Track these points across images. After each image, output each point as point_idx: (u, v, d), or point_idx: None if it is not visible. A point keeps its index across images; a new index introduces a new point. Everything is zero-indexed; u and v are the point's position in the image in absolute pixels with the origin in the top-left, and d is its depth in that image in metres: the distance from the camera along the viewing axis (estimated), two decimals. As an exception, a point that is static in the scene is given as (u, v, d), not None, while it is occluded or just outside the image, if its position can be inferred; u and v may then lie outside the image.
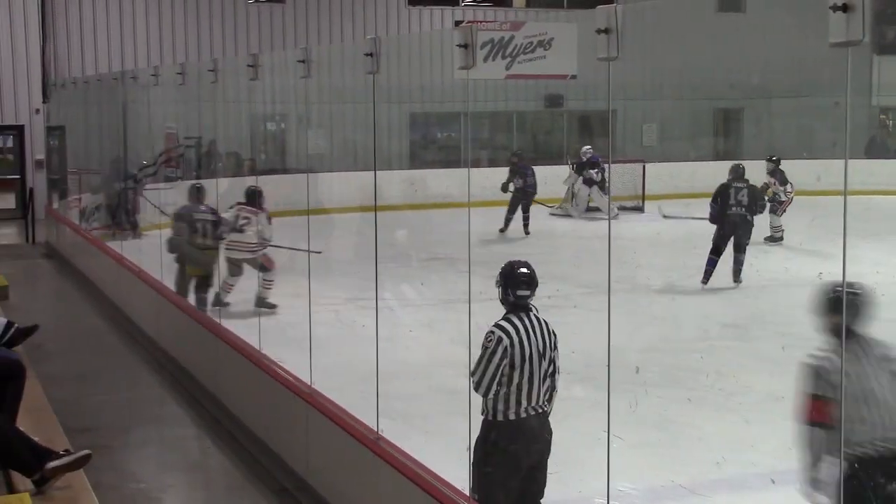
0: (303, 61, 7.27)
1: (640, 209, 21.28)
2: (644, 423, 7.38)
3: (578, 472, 6.53)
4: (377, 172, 7.80)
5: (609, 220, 5.34)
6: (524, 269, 5.32)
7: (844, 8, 3.16)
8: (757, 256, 14.45)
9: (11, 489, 5.61)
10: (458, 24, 25.47)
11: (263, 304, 10.85)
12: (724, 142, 27.53)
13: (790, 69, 22.39)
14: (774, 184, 16.35)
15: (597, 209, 19.89)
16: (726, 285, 13.14)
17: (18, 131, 22.73)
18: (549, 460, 5.33)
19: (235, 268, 11.33)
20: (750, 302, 12.16)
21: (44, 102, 22.15)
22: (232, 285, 11.25)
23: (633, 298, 11.78)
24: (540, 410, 5.24)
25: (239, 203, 11.38)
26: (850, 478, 4.43)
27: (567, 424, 7.47)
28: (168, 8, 23.82)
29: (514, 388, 5.17)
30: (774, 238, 16.35)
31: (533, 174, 18.16)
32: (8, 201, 23.09)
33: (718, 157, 25.18)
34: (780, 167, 16.62)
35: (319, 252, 9.04)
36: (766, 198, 15.41)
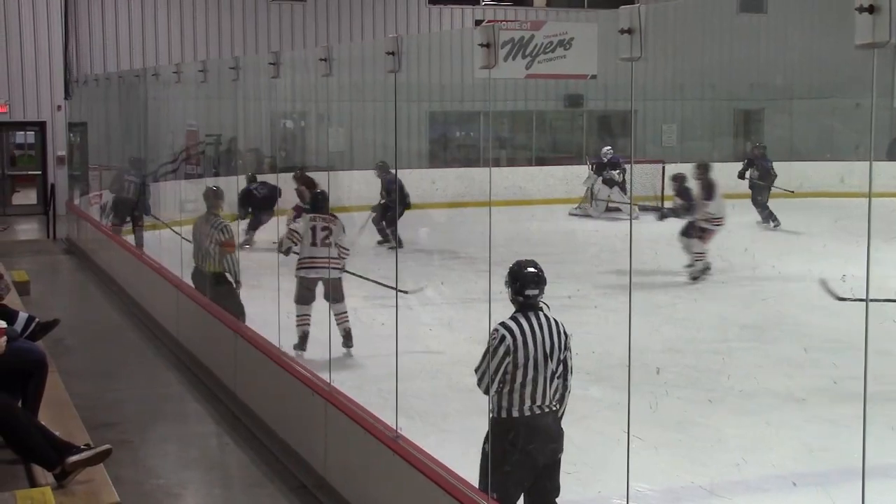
0: (324, 59, 7.28)
1: (659, 209, 21.20)
2: (663, 424, 7.37)
3: (596, 473, 6.53)
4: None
5: (630, 220, 5.32)
6: (532, 269, 5.35)
7: (871, 9, 3.14)
8: (780, 259, 14.43)
9: (33, 483, 5.64)
10: (478, 23, 25.48)
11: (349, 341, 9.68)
12: (744, 142, 27.43)
13: (811, 70, 22.33)
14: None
15: (616, 209, 19.86)
16: (747, 286, 13.12)
17: (40, 127, 22.87)
18: (562, 460, 5.32)
19: (308, 292, 9.69)
20: (770, 304, 12.10)
21: (66, 99, 22.28)
22: (307, 315, 9.65)
23: (653, 299, 11.78)
24: (547, 410, 5.23)
25: (308, 213, 10.14)
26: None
27: (584, 425, 7.49)
28: (189, 5, 23.93)
29: (517, 386, 5.18)
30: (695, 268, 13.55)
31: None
32: (29, 197, 23.26)
33: (739, 157, 25.09)
34: (709, 175, 13.82)
35: (406, 292, 9.20)
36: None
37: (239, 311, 9.60)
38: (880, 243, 3.61)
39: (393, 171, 15.97)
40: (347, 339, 9.59)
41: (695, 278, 13.35)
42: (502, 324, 5.24)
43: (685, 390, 8.36)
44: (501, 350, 5.18)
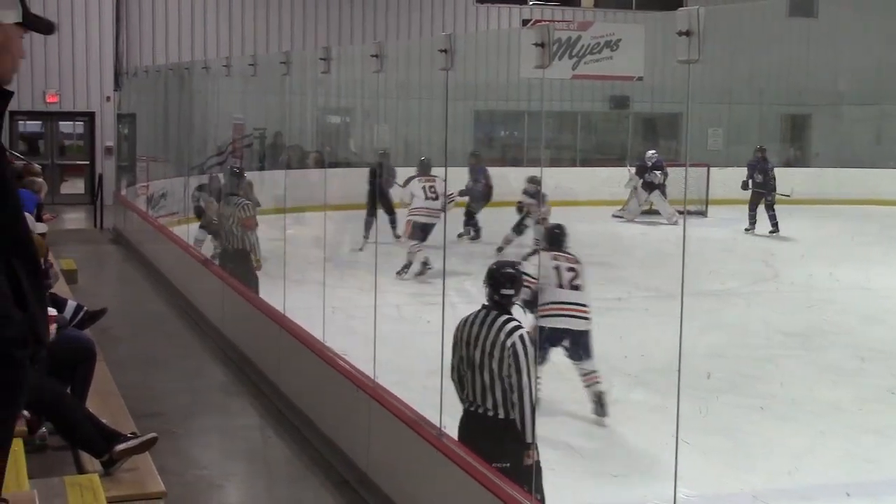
0: (376, 55, 7.28)
1: (703, 213, 21.07)
2: (712, 430, 7.30)
3: (643, 476, 6.49)
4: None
5: (680, 224, 5.29)
6: (508, 269, 5.44)
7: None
8: (836, 267, 14.30)
9: (81, 469, 5.70)
10: (525, 22, 25.42)
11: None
12: (791, 148, 27.18)
13: (861, 75, 22.05)
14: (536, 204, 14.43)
15: (655, 212, 19.75)
16: (791, 292, 13.00)
17: (89, 118, 23.10)
18: (520, 468, 5.24)
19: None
20: (817, 310, 11.97)
21: (115, 90, 22.48)
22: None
23: (698, 304, 11.66)
24: (492, 414, 5.27)
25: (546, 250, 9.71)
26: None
27: (628, 428, 7.44)
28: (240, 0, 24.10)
29: (464, 378, 5.39)
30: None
31: (484, 178, 17.14)
32: (77, 187, 23.50)
33: (788, 163, 24.87)
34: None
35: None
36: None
37: (254, 285, 10.48)
38: None
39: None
40: (599, 405, 7.71)
41: None
42: (464, 317, 5.44)
43: (732, 396, 8.29)
44: (453, 341, 5.46)
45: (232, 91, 13.54)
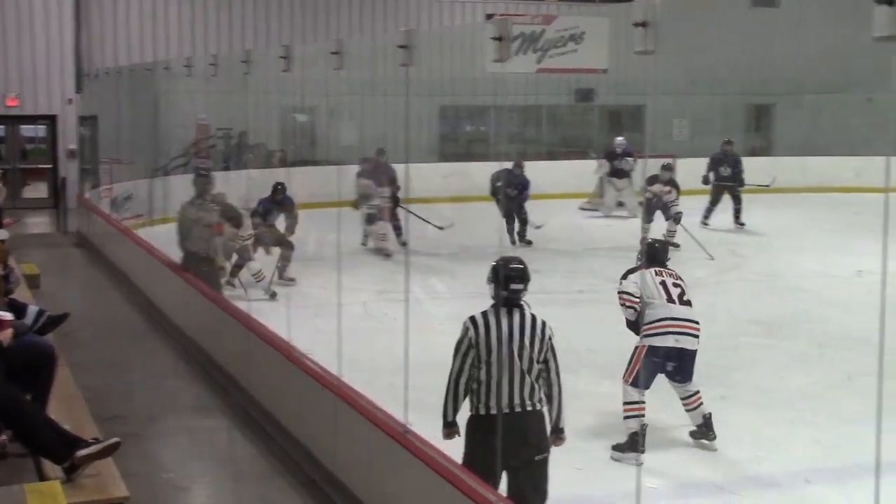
0: (336, 53, 7.25)
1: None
2: (676, 420, 7.32)
3: (608, 469, 6.50)
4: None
5: (643, 218, 5.29)
6: (517, 265, 5.35)
7: (890, 2, 3.10)
8: (799, 255, 14.39)
9: (42, 476, 5.64)
10: (489, 17, 25.42)
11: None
12: (756, 137, 27.31)
13: (823, 65, 22.21)
14: (670, 191, 15.26)
15: (622, 205, 19.77)
16: (757, 281, 13.08)
17: (51, 121, 22.88)
18: (548, 458, 5.25)
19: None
20: (783, 299, 12.05)
21: (77, 92, 22.28)
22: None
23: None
24: (520, 410, 5.18)
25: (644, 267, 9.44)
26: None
27: (596, 419, 7.45)
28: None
29: (485, 382, 5.18)
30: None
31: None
32: (40, 190, 23.28)
33: (753, 153, 25.00)
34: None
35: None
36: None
37: (218, 289, 10.53)
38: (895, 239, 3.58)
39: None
40: (707, 427, 7.08)
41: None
42: (470, 316, 5.26)
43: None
44: (465, 343, 5.23)
45: (194, 91, 13.46)
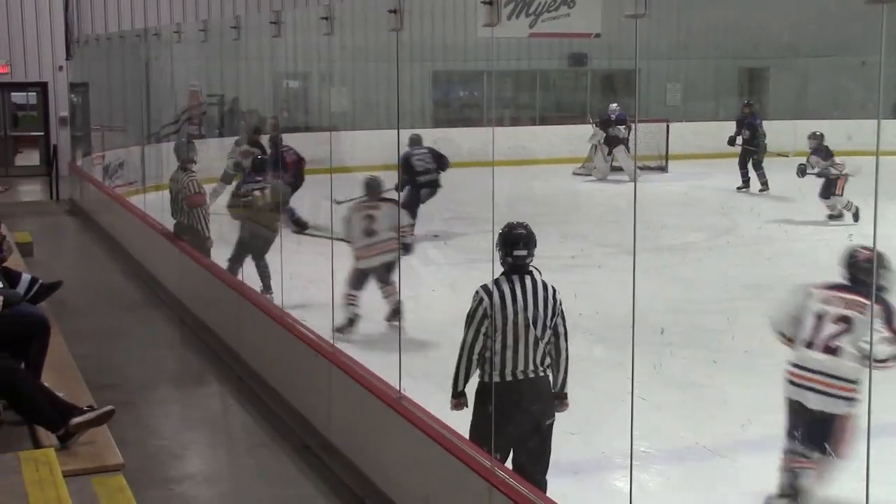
0: (326, 18, 7.21)
1: (663, 169, 21.16)
2: (668, 384, 7.36)
3: (601, 433, 6.53)
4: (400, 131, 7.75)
5: (635, 181, 5.29)
6: (521, 230, 5.31)
7: (880, -35, 3.09)
8: (792, 217, 14.39)
9: (37, 444, 5.66)
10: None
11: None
12: (749, 101, 27.24)
13: (817, 28, 22.11)
14: (818, 162, 14.93)
15: (619, 169, 19.76)
16: (749, 245, 13.10)
17: (42, 88, 22.76)
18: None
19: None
20: (774, 262, 12.07)
21: (67, 59, 22.14)
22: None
23: (657, 259, 11.73)
24: (533, 375, 5.20)
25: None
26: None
27: (588, 385, 7.47)
28: (191, -36, 23.74)
29: (499, 350, 5.16)
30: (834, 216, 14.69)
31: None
32: (32, 158, 23.21)
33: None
34: (823, 143, 15.36)
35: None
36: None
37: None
38: (887, 202, 3.58)
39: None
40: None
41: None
42: (482, 286, 5.23)
43: (689, 350, 8.35)
44: (479, 312, 5.19)
45: (185, 58, 13.37)
